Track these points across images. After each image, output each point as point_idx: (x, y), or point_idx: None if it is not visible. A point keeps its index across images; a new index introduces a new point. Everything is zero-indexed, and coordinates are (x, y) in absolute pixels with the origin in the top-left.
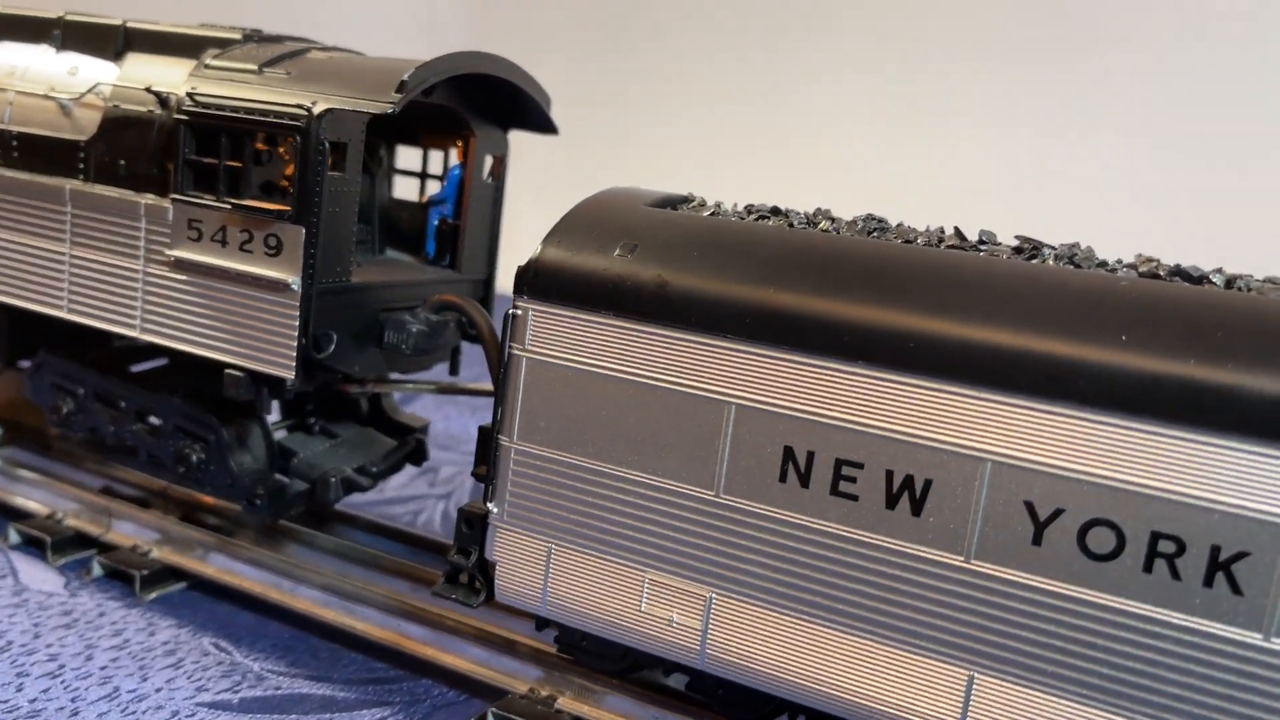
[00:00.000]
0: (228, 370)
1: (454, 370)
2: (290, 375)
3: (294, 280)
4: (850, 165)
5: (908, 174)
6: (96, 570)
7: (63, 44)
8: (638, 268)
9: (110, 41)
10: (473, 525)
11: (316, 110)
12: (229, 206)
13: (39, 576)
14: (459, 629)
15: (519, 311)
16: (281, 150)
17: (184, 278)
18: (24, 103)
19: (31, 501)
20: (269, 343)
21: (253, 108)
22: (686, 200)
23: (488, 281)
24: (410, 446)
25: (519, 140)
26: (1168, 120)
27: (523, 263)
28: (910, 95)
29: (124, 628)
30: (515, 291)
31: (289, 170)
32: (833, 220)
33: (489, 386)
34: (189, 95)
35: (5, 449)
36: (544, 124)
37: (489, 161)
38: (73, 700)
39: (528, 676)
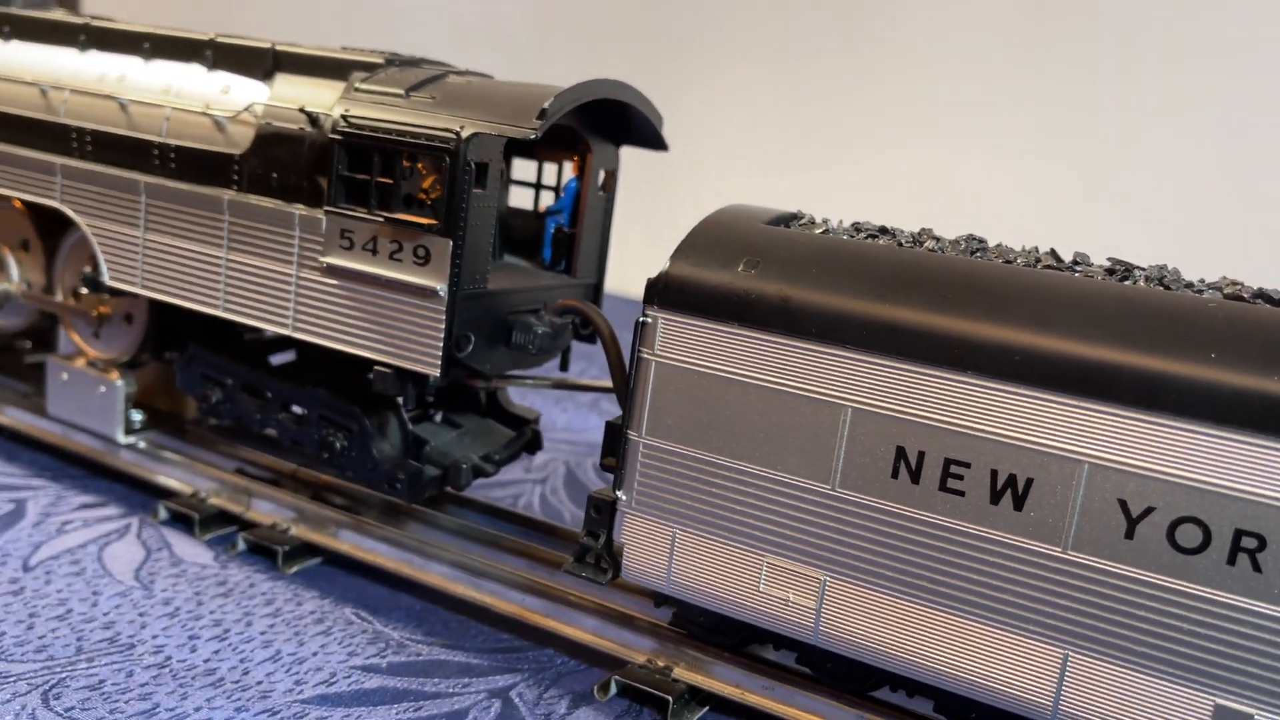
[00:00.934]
0: (376, 367)
1: (564, 366)
2: (436, 372)
3: (441, 287)
4: (908, 175)
5: (963, 185)
6: (241, 545)
7: (213, 64)
8: (761, 283)
9: (260, 63)
10: (601, 511)
11: (465, 134)
12: (381, 219)
13: (191, 550)
14: (580, 604)
15: (648, 320)
16: (420, 167)
17: (335, 282)
18: (180, 118)
19: (175, 481)
20: (416, 343)
21: (405, 130)
22: (796, 217)
23: (598, 285)
24: (527, 436)
25: None
26: (1228, 133)
27: (653, 275)
28: (963, 107)
29: (274, 597)
30: (645, 301)
31: (425, 183)
32: (936, 239)
33: (598, 382)
34: (343, 117)
35: (146, 433)
36: (655, 141)
37: (601, 175)
38: (241, 661)
39: (644, 648)
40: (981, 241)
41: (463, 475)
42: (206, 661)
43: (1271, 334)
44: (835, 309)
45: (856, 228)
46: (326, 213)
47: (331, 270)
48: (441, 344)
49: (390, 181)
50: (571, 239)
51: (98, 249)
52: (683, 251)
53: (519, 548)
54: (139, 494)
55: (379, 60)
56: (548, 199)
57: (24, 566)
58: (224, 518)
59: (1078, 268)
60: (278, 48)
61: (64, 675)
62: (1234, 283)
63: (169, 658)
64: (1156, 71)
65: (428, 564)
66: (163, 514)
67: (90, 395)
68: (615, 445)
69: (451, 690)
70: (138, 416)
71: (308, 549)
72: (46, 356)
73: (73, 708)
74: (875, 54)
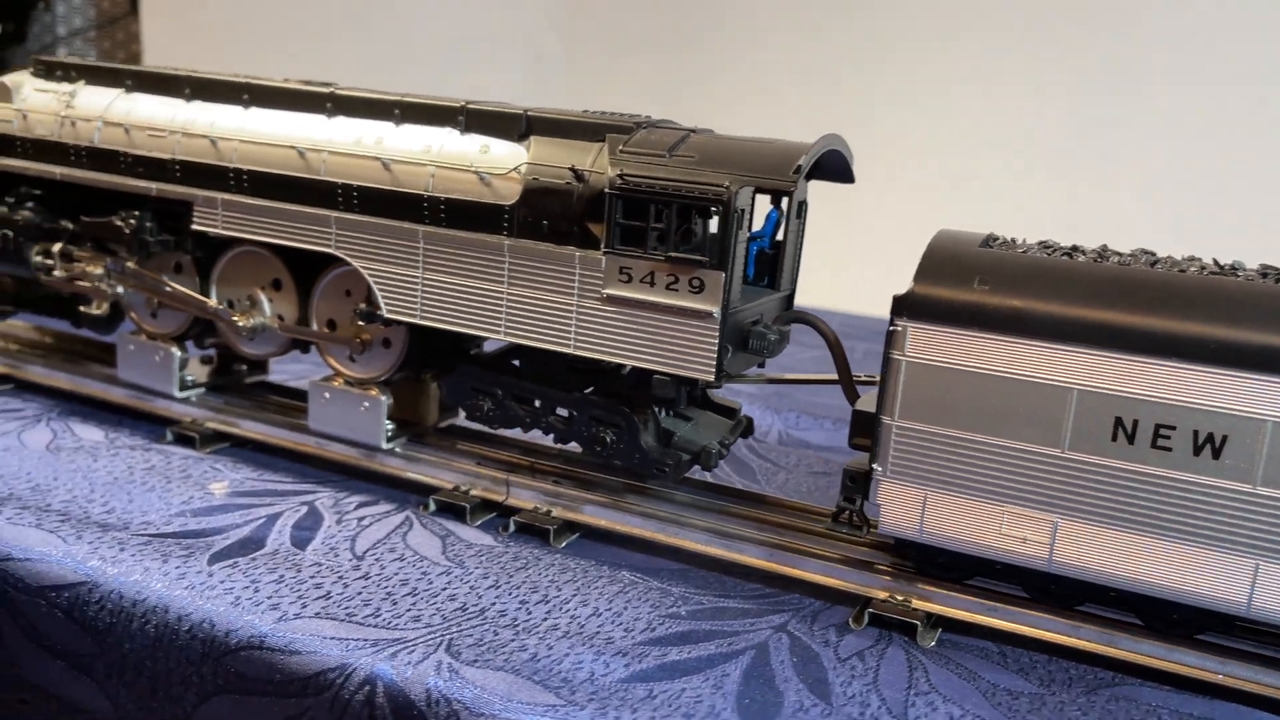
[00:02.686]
0: (657, 375)
1: (761, 364)
2: (711, 378)
3: (716, 310)
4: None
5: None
6: (511, 528)
7: (467, 127)
8: (995, 297)
9: (514, 126)
10: (856, 480)
11: (734, 188)
12: (662, 258)
13: (471, 535)
14: (821, 555)
15: (898, 329)
16: (676, 213)
17: (614, 309)
18: (445, 175)
19: (432, 478)
20: (692, 355)
21: (680, 185)
22: (994, 238)
23: (791, 296)
24: (744, 423)
25: None
26: None
27: (898, 293)
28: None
29: (564, 567)
30: (894, 313)
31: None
32: (1118, 254)
33: (805, 376)
34: (620, 175)
35: (397, 440)
36: (844, 176)
37: (798, 205)
38: (572, 618)
39: (883, 586)
40: (1152, 253)
41: (712, 458)
42: (545, 619)
43: None
44: (1061, 315)
45: (1045, 245)
46: (605, 253)
47: (611, 300)
48: (716, 355)
49: (663, 227)
50: (774, 259)
51: (375, 287)
52: (924, 274)
53: (744, 514)
54: (399, 491)
55: (629, 124)
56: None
57: (356, 555)
58: (487, 505)
59: (1238, 272)
60: (530, 113)
61: (448, 636)
62: None
63: (515, 619)
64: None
65: (681, 531)
66: (433, 506)
67: (354, 410)
68: (866, 428)
69: (742, 628)
70: (389, 426)
71: (568, 526)
72: (309, 381)
73: (474, 660)
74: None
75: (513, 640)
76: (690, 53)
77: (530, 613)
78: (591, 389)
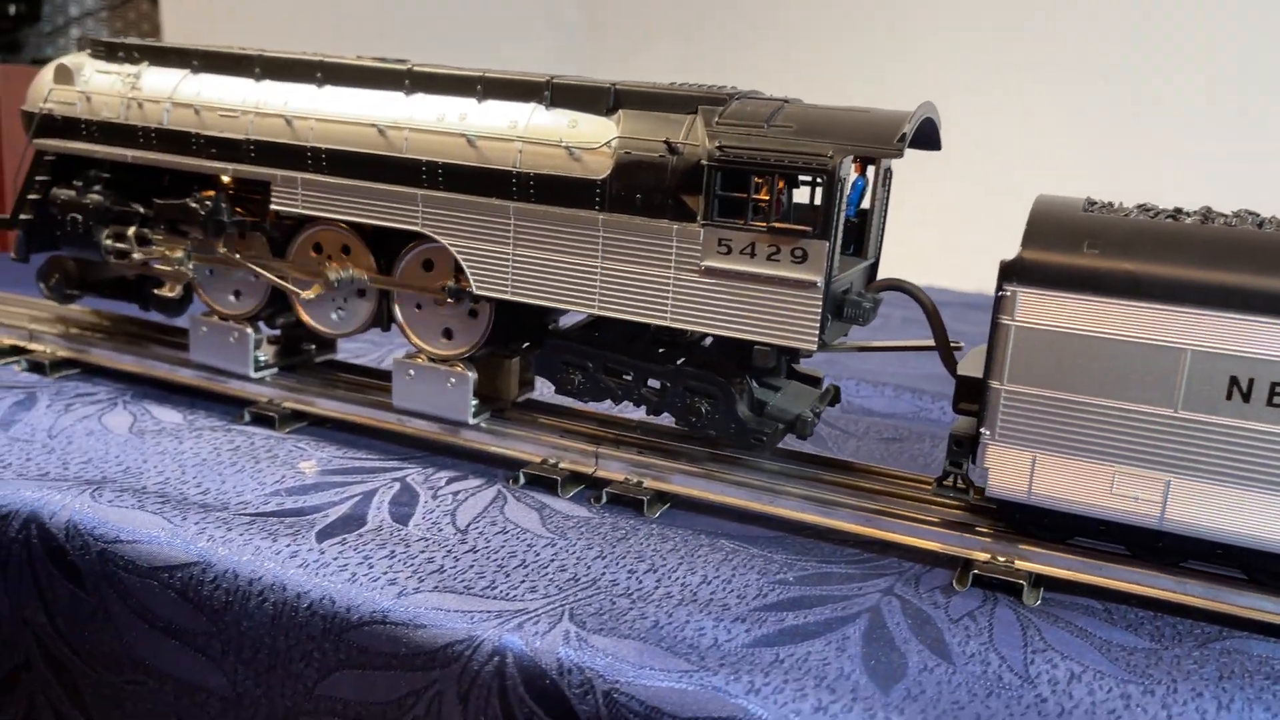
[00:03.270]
0: (758, 345)
1: (846, 334)
2: (813, 347)
3: (819, 280)
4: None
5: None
6: (604, 499)
7: (552, 102)
8: (1106, 260)
9: (602, 99)
10: (962, 444)
11: (837, 157)
12: (764, 229)
13: (565, 506)
14: (922, 520)
15: (1007, 294)
16: (781, 184)
17: (713, 281)
18: (532, 150)
19: (521, 453)
20: (794, 325)
21: (783, 155)
22: (1093, 202)
23: (875, 264)
24: (832, 392)
25: None
26: None
27: (1006, 259)
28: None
29: (664, 536)
30: (1004, 278)
31: (763, 194)
32: (1222, 215)
33: (897, 343)
34: (720, 147)
35: (480, 415)
36: (932, 143)
37: (883, 173)
38: (683, 586)
39: (984, 548)
40: (1256, 214)
41: (808, 426)
42: (657, 587)
43: None
44: (1173, 277)
45: (1145, 208)
46: (704, 226)
47: (710, 272)
48: (818, 324)
49: (765, 198)
50: (860, 227)
51: (464, 264)
52: (1032, 239)
53: (835, 480)
54: (484, 466)
55: (721, 95)
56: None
57: (458, 529)
58: (575, 478)
59: None
60: (618, 87)
61: (568, 606)
62: None
63: (629, 588)
64: None
65: (776, 499)
66: (522, 480)
67: (440, 387)
68: (972, 393)
69: (850, 593)
70: (474, 401)
71: (660, 497)
72: (393, 358)
73: (600, 629)
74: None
75: (631, 609)
76: (717, 19)
77: (641, 582)
78: (680, 360)
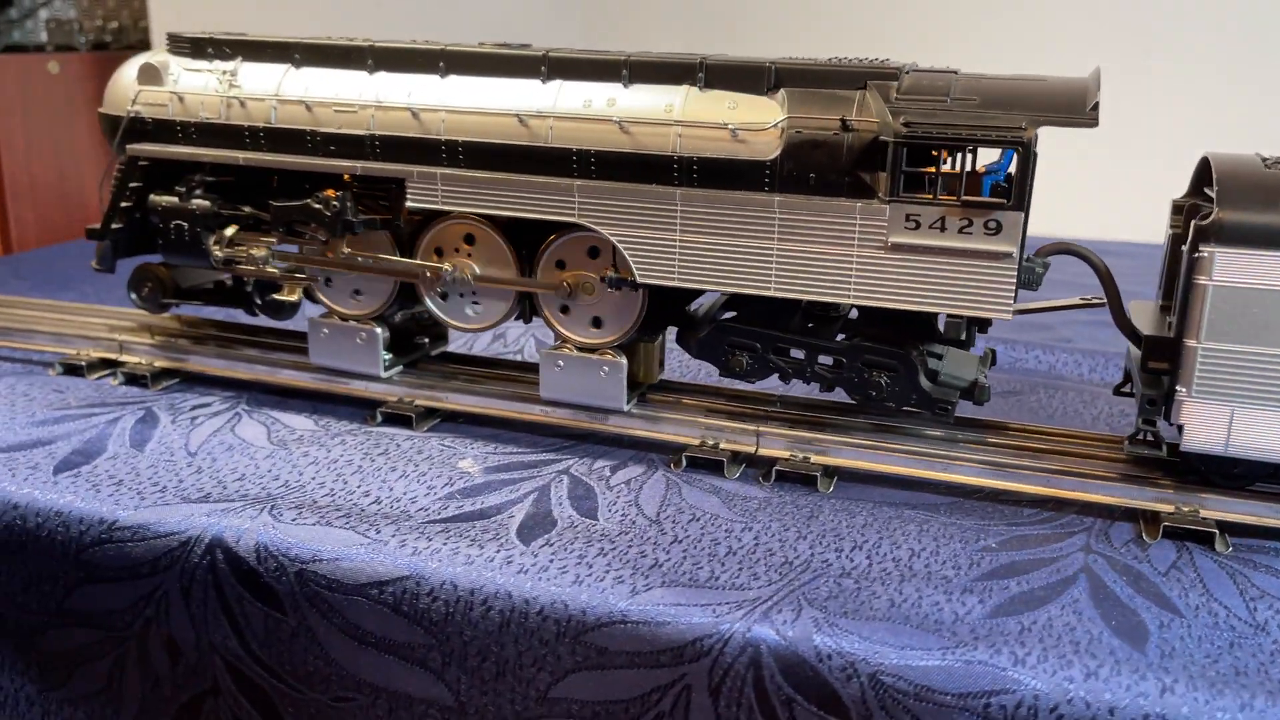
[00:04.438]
0: (949, 317)
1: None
2: (1009, 316)
3: (1014, 250)
4: None
5: None
6: (773, 477)
7: (707, 83)
8: None
9: (762, 78)
10: (1154, 403)
11: (1031, 129)
12: (956, 202)
13: (736, 488)
14: (1103, 476)
15: (1204, 255)
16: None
17: (900, 256)
18: (693, 133)
19: (678, 436)
20: (988, 295)
21: (975, 129)
22: (1265, 158)
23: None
24: (990, 355)
25: None
26: None
27: (1201, 221)
28: None
29: (849, 511)
30: (1199, 240)
31: (945, 169)
32: None
33: (1059, 302)
34: (907, 123)
35: (630, 402)
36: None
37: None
38: (895, 562)
39: (1168, 500)
40: None
41: (985, 392)
42: (871, 565)
43: None
44: None
45: None
46: (891, 202)
47: (897, 247)
48: (1013, 293)
49: (955, 172)
50: (1008, 191)
51: (625, 253)
52: (1226, 200)
53: (1003, 443)
54: (636, 451)
55: (889, 70)
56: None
57: (650, 519)
58: (737, 458)
59: None
60: (778, 65)
61: (798, 591)
62: None
63: (845, 568)
64: None
65: (949, 465)
66: (684, 463)
67: (592, 376)
68: (1163, 352)
69: (1054, 554)
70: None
71: (829, 471)
72: (540, 351)
73: (842, 611)
74: None
75: (860, 589)
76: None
77: (853, 560)
78: (850, 335)
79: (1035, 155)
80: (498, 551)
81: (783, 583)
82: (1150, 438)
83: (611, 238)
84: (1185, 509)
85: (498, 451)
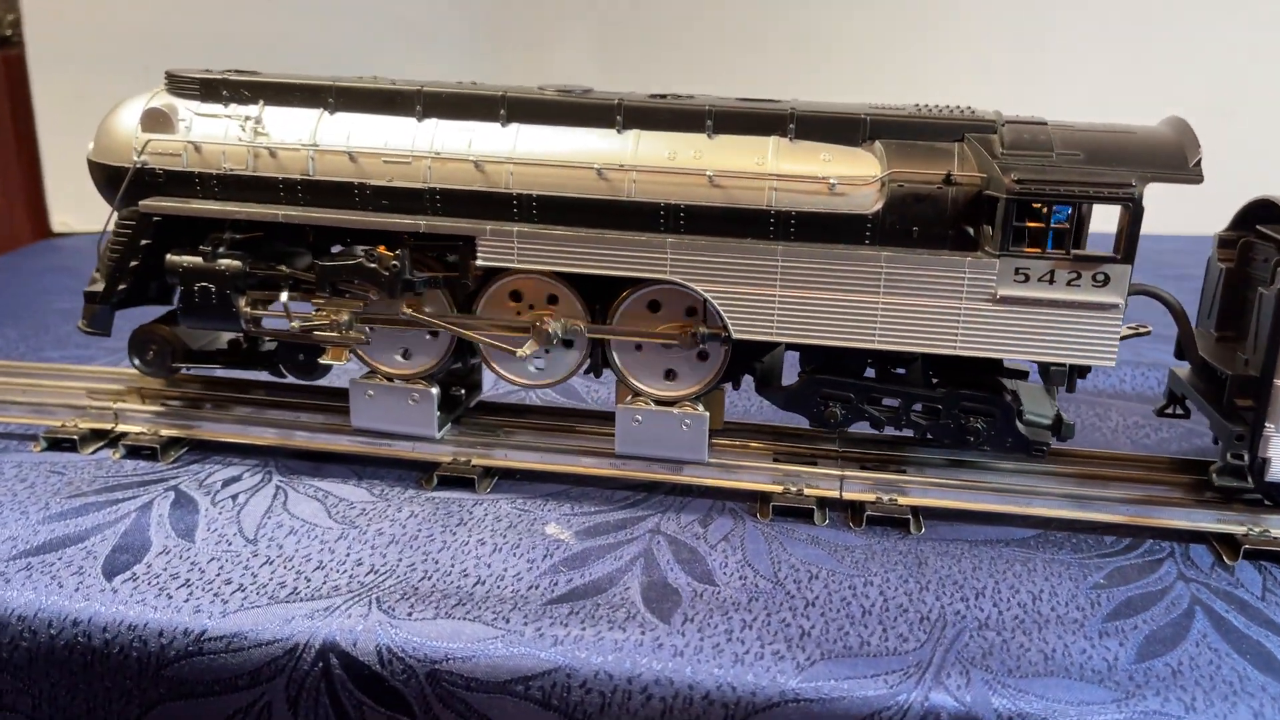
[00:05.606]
0: (1053, 367)
1: None
2: (1112, 363)
3: (1121, 301)
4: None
5: None
6: (864, 522)
7: (797, 134)
8: None
9: (856, 130)
10: (1242, 438)
11: (1140, 185)
12: (1067, 256)
13: (831, 534)
14: (1181, 503)
15: None
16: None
17: (1007, 308)
18: (789, 186)
19: (758, 484)
20: (1094, 343)
21: (1086, 185)
22: None
23: None
24: (1053, 388)
25: None
26: None
27: None
28: None
29: (952, 555)
30: None
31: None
32: None
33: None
34: (1018, 180)
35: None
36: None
37: None
38: (1020, 610)
39: (1244, 522)
40: None
41: (1070, 429)
42: (1000, 614)
43: None
44: None
45: None
46: (1001, 256)
47: (1005, 300)
48: (1117, 341)
49: (1066, 226)
50: (1070, 235)
51: (720, 310)
52: None
53: (1081, 473)
54: (710, 500)
55: (984, 121)
56: None
57: (774, 580)
58: (821, 502)
59: None
60: (872, 117)
61: (950, 652)
62: None
63: (980, 619)
64: None
65: (1030, 500)
66: (771, 513)
67: (674, 429)
68: (1247, 390)
69: (1154, 585)
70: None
71: (913, 511)
72: (616, 406)
73: (1008, 670)
74: None
75: (1007, 642)
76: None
77: (982, 608)
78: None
79: (1143, 210)
80: (643, 633)
81: (931, 641)
82: (1236, 469)
83: (706, 294)
84: (1257, 529)
85: (576, 512)
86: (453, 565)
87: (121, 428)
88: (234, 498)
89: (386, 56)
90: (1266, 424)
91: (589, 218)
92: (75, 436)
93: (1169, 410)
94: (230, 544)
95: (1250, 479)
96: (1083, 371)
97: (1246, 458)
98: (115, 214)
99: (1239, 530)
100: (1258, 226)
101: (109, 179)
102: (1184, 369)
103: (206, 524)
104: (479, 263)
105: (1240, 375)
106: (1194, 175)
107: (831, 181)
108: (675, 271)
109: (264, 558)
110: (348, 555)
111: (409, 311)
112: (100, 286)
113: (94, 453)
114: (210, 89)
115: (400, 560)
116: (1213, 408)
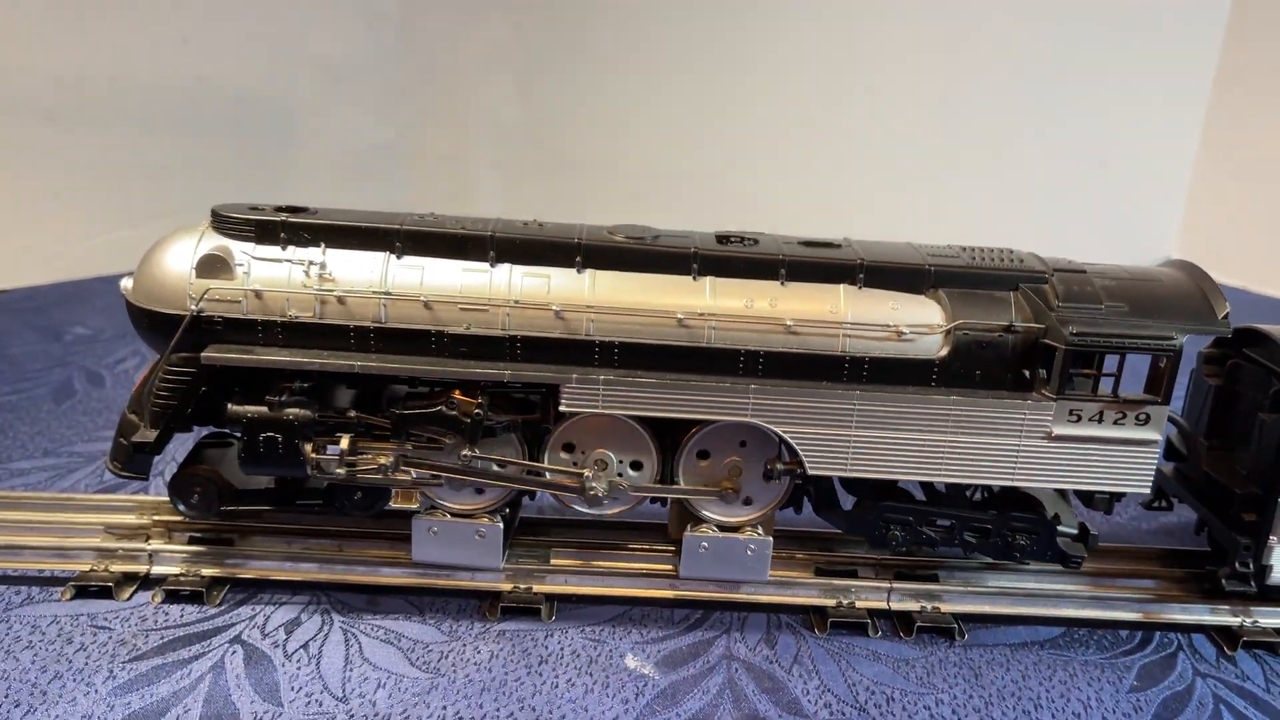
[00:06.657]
0: (1097, 493)
1: None
2: (1148, 491)
3: (1160, 437)
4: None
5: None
6: (915, 632)
7: (866, 282)
8: None
9: (923, 279)
10: (1249, 548)
11: (1179, 339)
12: (1115, 399)
13: (891, 648)
14: (1182, 599)
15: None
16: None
17: (1060, 445)
18: (860, 333)
19: (814, 599)
20: (1134, 474)
21: (1134, 338)
22: None
23: None
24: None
25: None
26: None
27: None
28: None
29: (1002, 664)
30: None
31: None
32: None
33: None
34: (1075, 333)
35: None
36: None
37: None
38: (1083, 709)
39: (1237, 614)
40: None
41: (1094, 540)
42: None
43: None
44: None
45: None
46: (1058, 399)
47: (1058, 438)
48: (1154, 473)
49: (1115, 374)
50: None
51: (798, 448)
52: None
53: (1097, 571)
54: (768, 615)
55: (1032, 272)
56: None
57: (853, 704)
58: (873, 615)
59: None
60: (936, 268)
61: None
62: None
63: None
64: None
65: (1059, 603)
66: (828, 628)
67: (739, 554)
68: (1253, 506)
69: (1178, 683)
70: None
71: (954, 619)
72: (686, 534)
73: None
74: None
75: None
76: (555, 10)
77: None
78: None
79: (1180, 359)
80: None
81: None
82: (1236, 574)
83: (785, 435)
84: (1248, 621)
85: (646, 638)
86: (550, 711)
87: (159, 569)
88: (305, 647)
89: (301, 95)
90: (1272, 536)
91: (668, 362)
92: (110, 583)
93: (1155, 504)
94: (322, 705)
95: (1253, 583)
96: (1119, 496)
97: (1252, 565)
98: (164, 360)
99: (1235, 622)
100: (1245, 350)
101: (155, 324)
102: (1168, 466)
103: (288, 684)
104: (563, 408)
105: (1246, 495)
106: (1221, 328)
107: (901, 329)
108: (757, 414)
109: (362, 716)
110: (445, 709)
111: (476, 454)
112: (152, 436)
113: (129, 598)
114: (266, 231)
115: (499, 710)
116: (1215, 517)
